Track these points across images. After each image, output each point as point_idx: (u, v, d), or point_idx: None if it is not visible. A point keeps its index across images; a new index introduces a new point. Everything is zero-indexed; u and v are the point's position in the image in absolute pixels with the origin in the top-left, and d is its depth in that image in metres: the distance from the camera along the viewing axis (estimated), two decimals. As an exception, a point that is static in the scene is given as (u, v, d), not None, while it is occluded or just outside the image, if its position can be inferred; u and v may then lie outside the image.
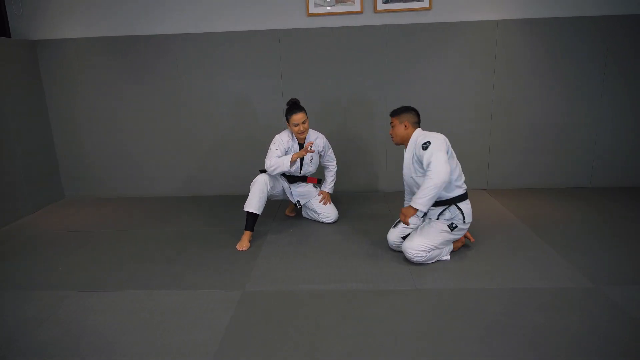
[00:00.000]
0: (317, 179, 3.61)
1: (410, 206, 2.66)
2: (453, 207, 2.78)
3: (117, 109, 4.28)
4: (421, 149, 2.69)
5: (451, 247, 2.88)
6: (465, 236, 2.96)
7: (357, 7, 3.91)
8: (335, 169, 3.64)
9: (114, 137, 4.35)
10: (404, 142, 2.91)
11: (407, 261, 2.79)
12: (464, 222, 2.79)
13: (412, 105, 2.95)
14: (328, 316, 2.24)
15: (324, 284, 2.57)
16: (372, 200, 4.09)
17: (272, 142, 3.30)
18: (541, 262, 2.75)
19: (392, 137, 2.95)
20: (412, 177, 2.87)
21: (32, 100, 4.12)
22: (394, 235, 2.96)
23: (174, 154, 4.38)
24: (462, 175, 2.83)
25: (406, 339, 2.03)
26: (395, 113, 2.92)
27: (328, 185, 3.62)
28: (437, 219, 2.81)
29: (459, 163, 2.82)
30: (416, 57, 4.01)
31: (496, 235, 3.18)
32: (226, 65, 4.13)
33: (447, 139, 2.76)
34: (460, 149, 4.16)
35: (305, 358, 1.93)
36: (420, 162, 2.72)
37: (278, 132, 3.36)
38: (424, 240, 2.71)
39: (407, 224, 2.71)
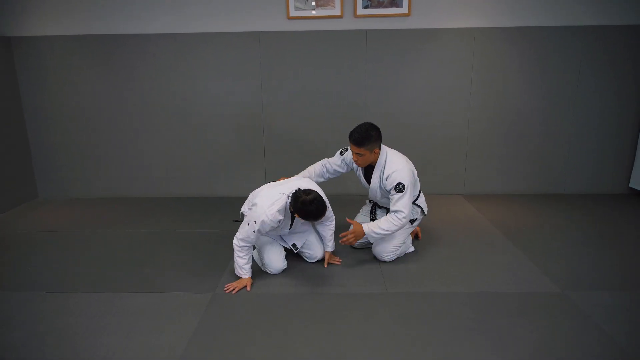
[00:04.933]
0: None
1: (363, 229, 2.68)
2: (413, 206, 2.93)
3: (93, 109, 4.22)
4: (394, 189, 2.68)
5: (410, 237, 3.05)
6: (416, 231, 3.23)
7: (337, 12, 3.93)
8: (334, 227, 2.87)
9: (89, 137, 4.29)
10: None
11: (379, 264, 2.83)
12: (424, 213, 3.03)
13: (372, 123, 2.71)
14: (297, 319, 2.23)
15: (295, 286, 2.57)
16: (347, 203, 4.09)
17: (255, 220, 2.45)
18: (511, 267, 2.79)
19: (358, 163, 2.77)
20: (376, 198, 2.95)
21: (7, 98, 4.04)
22: None
23: (150, 154, 4.34)
24: (418, 183, 2.96)
25: (375, 342, 2.03)
26: (362, 143, 2.63)
27: (328, 242, 2.86)
28: None
29: (418, 179, 2.93)
30: (395, 62, 4.04)
31: (468, 239, 3.22)
32: (206, 66, 4.10)
33: (414, 169, 2.79)
34: (437, 154, 4.25)
35: (271, 362, 1.93)
36: (387, 192, 2.76)
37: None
38: (393, 241, 2.83)
39: (352, 244, 2.74)
